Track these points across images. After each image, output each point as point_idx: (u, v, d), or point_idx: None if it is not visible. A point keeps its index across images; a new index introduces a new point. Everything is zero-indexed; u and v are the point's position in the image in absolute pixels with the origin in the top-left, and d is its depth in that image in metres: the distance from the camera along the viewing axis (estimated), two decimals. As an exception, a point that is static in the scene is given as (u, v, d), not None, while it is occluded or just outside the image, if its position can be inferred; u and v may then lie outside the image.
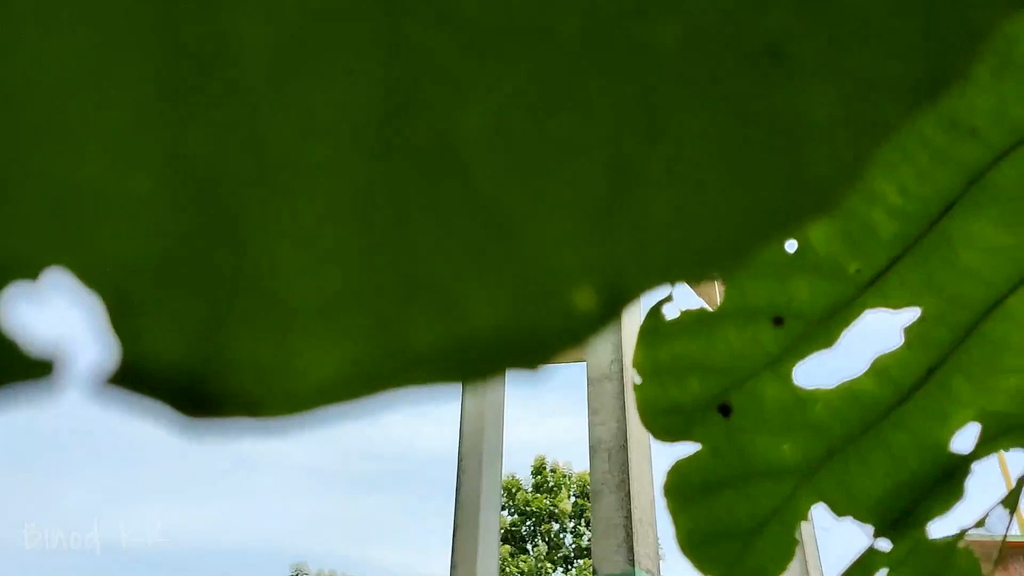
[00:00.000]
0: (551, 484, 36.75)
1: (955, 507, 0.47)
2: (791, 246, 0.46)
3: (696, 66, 0.14)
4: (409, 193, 0.13)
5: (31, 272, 0.12)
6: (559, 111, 0.14)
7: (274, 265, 0.12)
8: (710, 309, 0.47)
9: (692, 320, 0.47)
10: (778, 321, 0.46)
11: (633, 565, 8.33)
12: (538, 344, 0.13)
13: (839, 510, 0.47)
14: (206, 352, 0.12)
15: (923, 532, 0.47)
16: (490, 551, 10.77)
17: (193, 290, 0.12)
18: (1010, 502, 0.48)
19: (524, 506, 36.60)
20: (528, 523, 37.21)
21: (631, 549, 8.35)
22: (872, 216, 0.46)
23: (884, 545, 0.47)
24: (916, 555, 0.47)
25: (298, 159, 0.12)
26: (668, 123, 0.14)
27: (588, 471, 8.60)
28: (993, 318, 0.46)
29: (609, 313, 0.14)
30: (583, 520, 35.44)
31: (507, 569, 34.91)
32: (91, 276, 0.12)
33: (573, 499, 35.78)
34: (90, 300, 0.12)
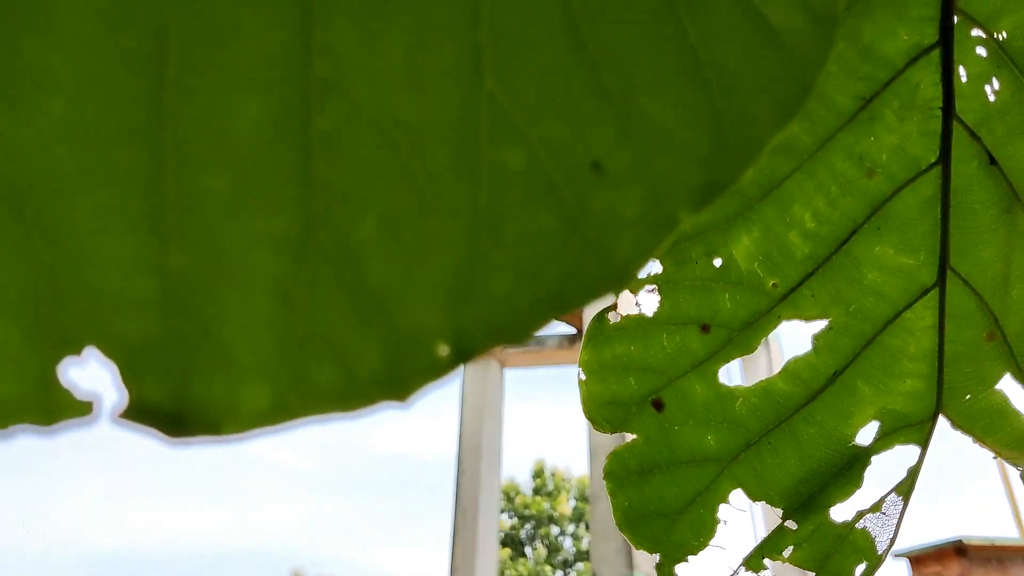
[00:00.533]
0: (550, 488, 36.60)
1: (854, 494, 0.53)
2: (718, 262, 0.53)
3: (535, 180, 0.21)
4: (319, 281, 0.19)
5: (76, 349, 0.19)
6: (430, 217, 0.20)
7: (227, 337, 0.19)
8: (648, 316, 0.54)
9: (632, 325, 0.54)
10: (705, 328, 0.53)
11: (632, 569, 8.38)
12: (405, 383, 0.20)
13: (753, 495, 0.53)
14: (182, 395, 0.20)
15: (826, 515, 0.53)
16: (489, 554, 10.83)
17: (174, 356, 0.19)
18: (903, 489, 0.54)
19: (523, 509, 36.50)
20: (527, 526, 37.11)
21: (630, 553, 8.40)
22: (788, 238, 0.52)
23: (792, 525, 0.54)
24: (818, 535, 0.53)
25: (244, 263, 0.19)
26: (512, 224, 0.21)
27: (588, 475, 8.61)
28: (891, 330, 0.52)
29: (459, 362, 0.20)
30: (583, 524, 35.33)
31: (506, 572, 34.82)
32: (110, 350, 0.19)
33: (573, 503, 35.66)
34: (110, 365, 0.19)
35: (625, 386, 0.53)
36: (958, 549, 13.52)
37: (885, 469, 0.57)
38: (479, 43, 0.20)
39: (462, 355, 0.20)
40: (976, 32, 0.51)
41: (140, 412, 0.20)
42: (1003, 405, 0.53)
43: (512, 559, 34.92)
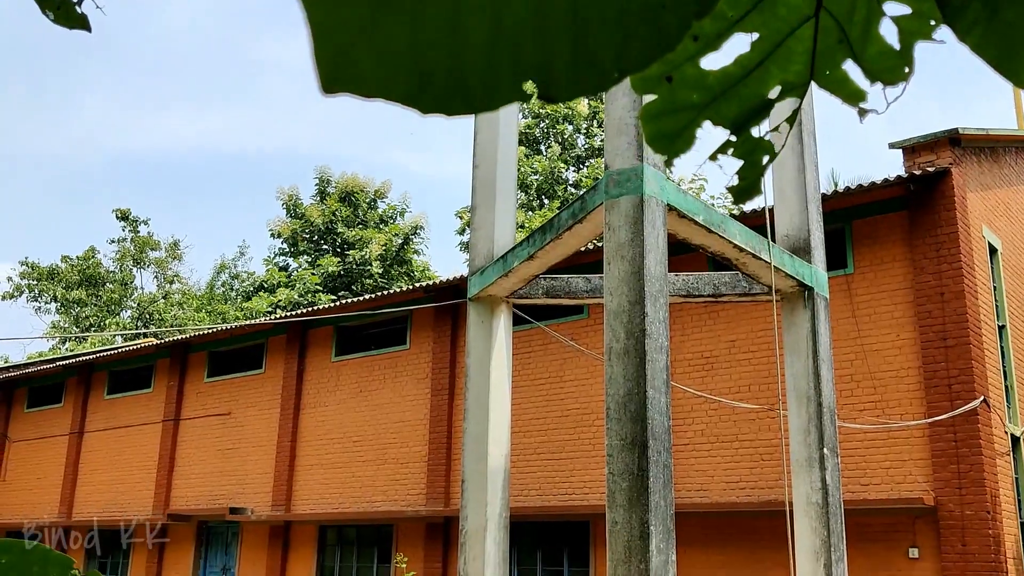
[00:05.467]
0: (565, 87, 36.43)
1: (764, 121, 1.05)
2: (702, 4, 1.00)
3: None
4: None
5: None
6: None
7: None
8: (665, 31, 1.03)
9: (656, 37, 1.02)
10: (695, 38, 1.01)
11: (642, 161, 9.09)
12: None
13: (715, 122, 1.05)
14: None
15: (750, 132, 1.05)
16: (509, 147, 11.44)
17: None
18: (790, 120, 1.06)
19: (539, 108, 36.84)
20: (542, 125, 37.80)
21: (641, 147, 9.07)
22: (740, -10, 0.99)
23: (732, 138, 1.06)
24: (747, 142, 1.06)
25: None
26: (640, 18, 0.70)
27: (602, 76, 9.00)
28: (790, 39, 1.01)
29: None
30: (596, 121, 36.03)
31: (522, 169, 36.08)
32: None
33: (586, 101, 36.06)
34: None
35: (651, 69, 1.03)
36: (952, 139, 14.31)
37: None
38: None
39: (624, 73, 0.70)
40: None
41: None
42: (844, 76, 1.03)
43: (528, 156, 36.49)
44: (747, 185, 1.06)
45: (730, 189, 1.08)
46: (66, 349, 47.39)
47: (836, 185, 23.38)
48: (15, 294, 49.48)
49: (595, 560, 16.31)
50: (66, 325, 48.93)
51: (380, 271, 40.29)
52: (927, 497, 13.05)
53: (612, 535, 8.28)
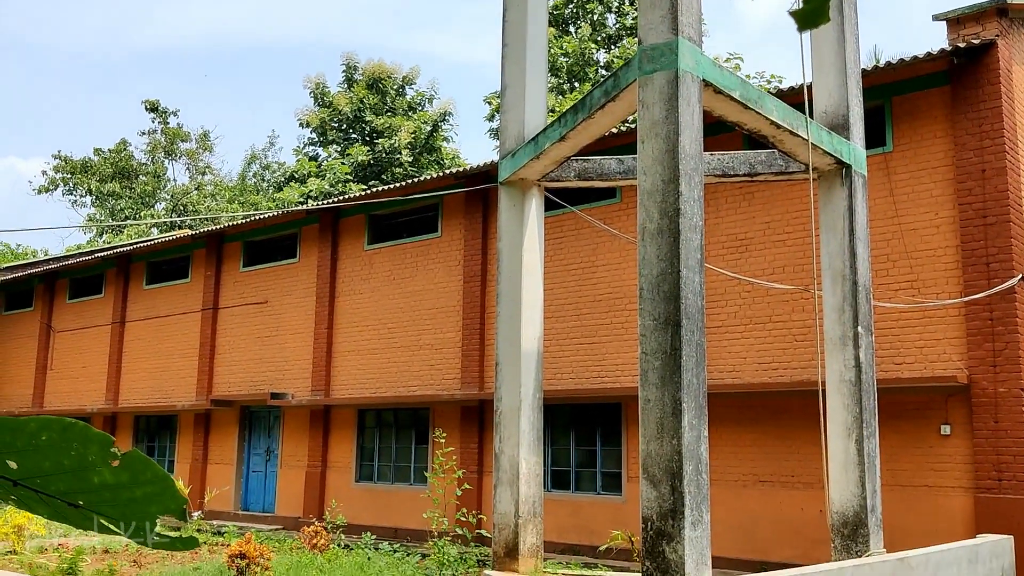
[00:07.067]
0: (596, -36, 35.42)
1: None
2: None
3: None
4: None
5: None
6: None
7: None
8: None
9: None
10: None
11: (677, 34, 8.88)
12: None
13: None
14: None
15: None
16: (539, 22, 11.23)
17: None
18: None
19: (568, -12, 35.85)
20: (571, 6, 36.96)
21: (676, 19, 8.84)
22: None
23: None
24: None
25: None
26: None
27: (635, -52, 8.69)
28: None
29: None
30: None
31: (551, 51, 35.52)
32: None
33: (618, -21, 34.92)
34: None
35: None
36: (1000, 9, 13.72)
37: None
38: None
39: None
40: None
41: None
42: None
43: (557, 38, 35.61)
44: (813, 8, 1.02)
45: (794, 14, 1.03)
46: (103, 241, 48.07)
47: (878, 63, 22.72)
48: (50, 187, 49.95)
49: (627, 439, 16.63)
50: (101, 218, 49.49)
51: (410, 159, 40.06)
52: (960, 375, 13.08)
53: (644, 412, 8.38)
